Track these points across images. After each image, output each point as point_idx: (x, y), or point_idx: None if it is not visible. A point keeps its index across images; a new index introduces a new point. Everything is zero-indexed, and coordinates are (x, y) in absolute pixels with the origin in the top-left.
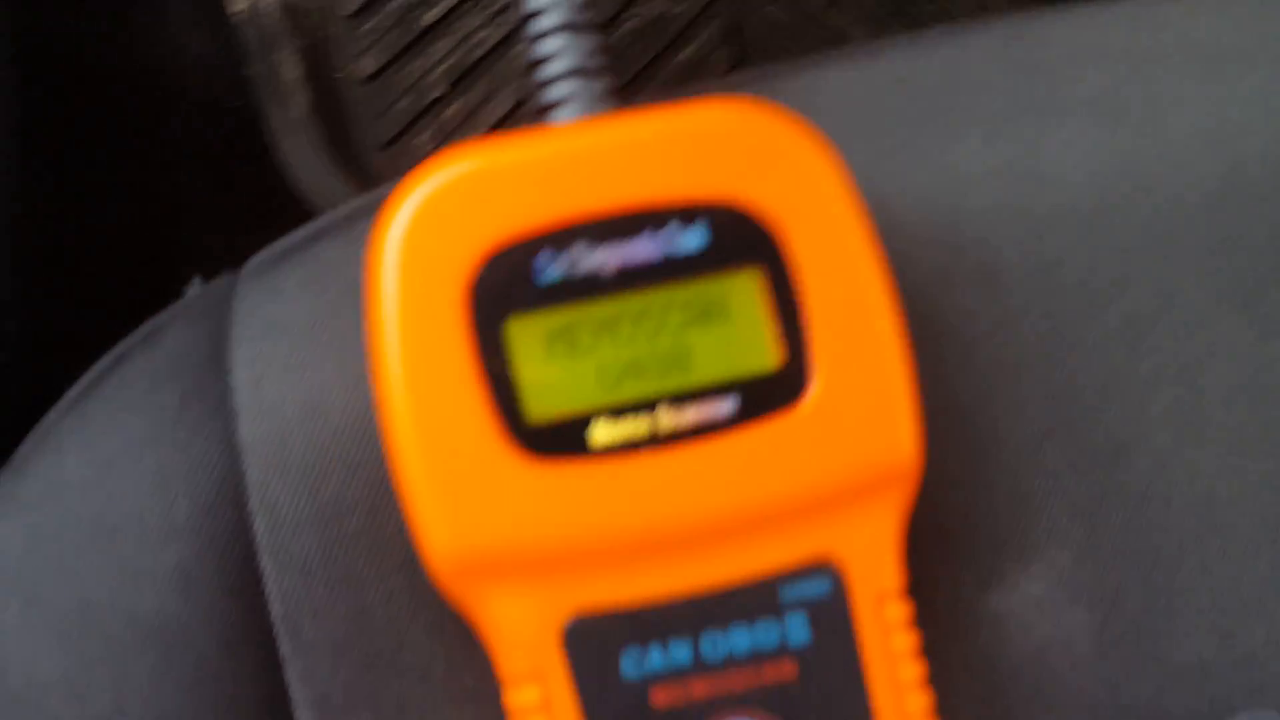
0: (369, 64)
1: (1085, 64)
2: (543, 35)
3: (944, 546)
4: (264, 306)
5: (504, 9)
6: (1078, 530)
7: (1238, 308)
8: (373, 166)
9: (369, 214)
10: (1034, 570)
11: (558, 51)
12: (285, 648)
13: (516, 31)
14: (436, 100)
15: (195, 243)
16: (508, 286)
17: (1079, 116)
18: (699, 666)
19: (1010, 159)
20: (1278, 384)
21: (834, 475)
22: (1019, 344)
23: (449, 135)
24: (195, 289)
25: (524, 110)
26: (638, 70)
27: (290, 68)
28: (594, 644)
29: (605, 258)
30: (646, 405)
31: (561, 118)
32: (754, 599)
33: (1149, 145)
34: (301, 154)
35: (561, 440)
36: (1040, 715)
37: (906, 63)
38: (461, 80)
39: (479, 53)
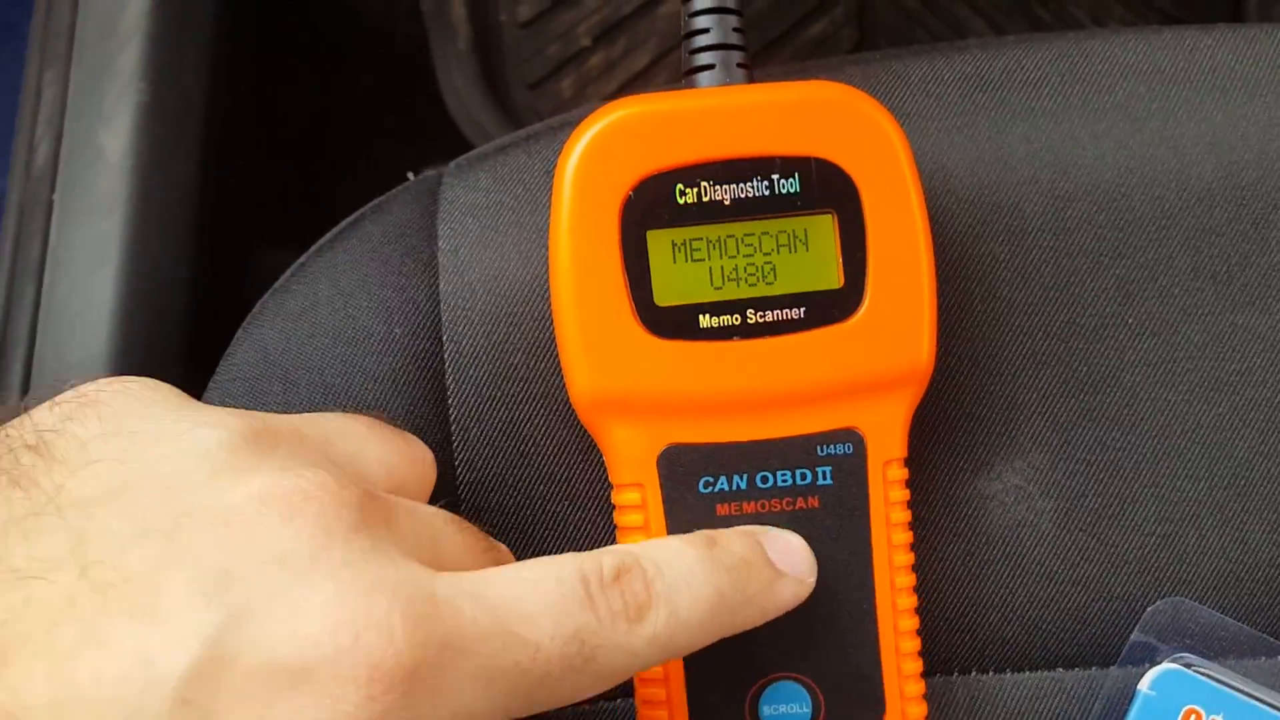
0: (526, 11)
1: (1120, 77)
2: (697, 13)
3: (950, 437)
4: (463, 196)
5: None
6: (1056, 440)
7: (1212, 283)
8: (516, 103)
9: (544, 135)
10: (1017, 465)
11: (707, 28)
12: (456, 440)
13: None
14: (582, 50)
15: (364, 149)
16: (651, 206)
17: (1107, 119)
18: (752, 492)
19: (1047, 145)
20: (1236, 346)
21: (868, 371)
22: (1032, 289)
23: (589, 83)
24: (412, 179)
25: (657, 66)
26: (771, 39)
27: (458, 6)
28: (680, 467)
29: (723, 193)
30: (740, 305)
31: (703, 82)
32: (797, 450)
33: (1159, 147)
34: (458, 83)
35: (676, 322)
36: (1007, 576)
37: (978, 62)
38: (605, 35)
39: (624, 11)
